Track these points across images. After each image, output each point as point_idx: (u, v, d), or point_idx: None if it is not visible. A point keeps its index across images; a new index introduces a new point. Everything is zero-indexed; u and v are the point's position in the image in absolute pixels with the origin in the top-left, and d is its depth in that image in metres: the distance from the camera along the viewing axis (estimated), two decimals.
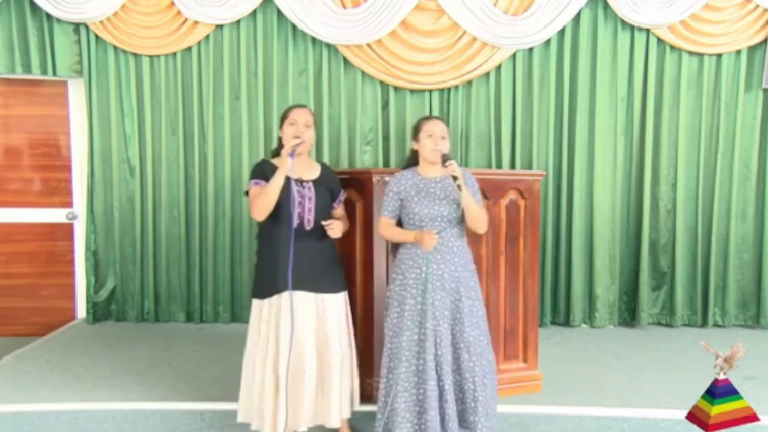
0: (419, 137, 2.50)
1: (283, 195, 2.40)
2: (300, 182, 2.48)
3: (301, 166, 2.49)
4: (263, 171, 2.48)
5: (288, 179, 2.42)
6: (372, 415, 2.52)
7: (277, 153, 2.61)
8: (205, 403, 2.86)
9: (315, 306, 2.46)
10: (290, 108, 2.60)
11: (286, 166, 2.36)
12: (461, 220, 2.46)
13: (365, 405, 2.66)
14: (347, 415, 2.55)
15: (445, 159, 2.37)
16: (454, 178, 2.32)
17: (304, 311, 2.43)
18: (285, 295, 2.42)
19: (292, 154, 2.39)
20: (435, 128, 2.46)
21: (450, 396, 2.36)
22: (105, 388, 3.04)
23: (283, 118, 2.56)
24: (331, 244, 2.55)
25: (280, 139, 2.59)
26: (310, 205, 2.46)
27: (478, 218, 2.41)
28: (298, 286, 2.42)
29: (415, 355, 2.38)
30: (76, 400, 2.88)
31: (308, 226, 2.45)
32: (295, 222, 2.43)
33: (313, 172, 2.55)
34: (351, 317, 2.61)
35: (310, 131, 2.54)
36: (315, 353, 2.43)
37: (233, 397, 2.91)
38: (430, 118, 2.58)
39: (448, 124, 4.25)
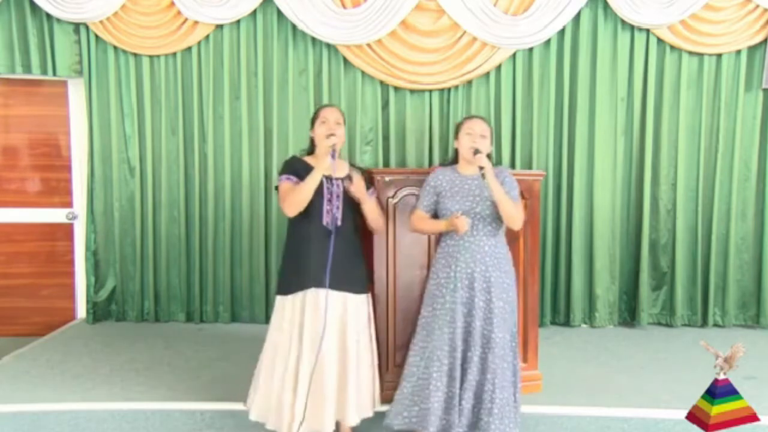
0: (459, 135, 2.55)
1: (315, 192, 2.43)
2: (330, 180, 2.49)
3: (328, 165, 2.50)
4: (294, 167, 2.52)
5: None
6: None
7: (309, 152, 2.64)
8: (205, 403, 2.86)
9: (338, 304, 2.44)
10: (321, 107, 2.65)
11: (325, 165, 2.40)
12: (496, 219, 2.46)
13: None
14: (367, 414, 2.52)
15: (476, 152, 2.40)
16: (480, 168, 2.34)
17: (330, 309, 2.41)
18: (310, 292, 2.42)
19: (333, 154, 2.41)
20: (475, 126, 2.52)
21: (468, 394, 2.37)
22: (105, 388, 3.04)
23: (314, 117, 2.60)
24: (358, 244, 2.57)
25: (311, 139, 2.62)
26: (338, 203, 2.47)
27: (510, 212, 2.40)
28: (323, 284, 2.41)
29: (446, 354, 2.39)
30: (76, 400, 2.88)
31: (337, 223, 2.46)
32: (326, 219, 2.45)
33: (342, 170, 2.57)
34: (373, 318, 2.61)
35: (341, 129, 2.56)
36: (336, 352, 2.42)
37: (233, 397, 2.92)
38: (471, 117, 2.65)
39: (448, 124, 4.31)
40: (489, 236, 2.46)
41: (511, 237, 3.02)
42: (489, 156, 2.48)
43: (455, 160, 2.63)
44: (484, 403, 2.39)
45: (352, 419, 2.44)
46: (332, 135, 2.48)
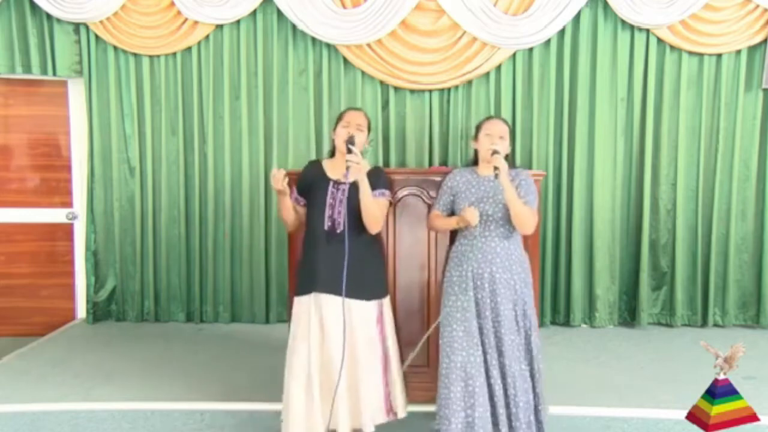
0: (479, 136, 2.55)
1: (317, 194, 2.45)
2: (336, 184, 2.48)
3: (340, 168, 2.47)
4: (303, 177, 2.53)
5: (327, 180, 2.48)
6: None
7: (331, 154, 2.64)
8: (205, 403, 2.86)
9: (342, 310, 2.38)
10: (345, 110, 2.62)
11: (285, 191, 2.39)
12: (510, 221, 2.45)
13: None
14: (380, 420, 2.48)
15: (493, 153, 2.41)
16: (495, 168, 2.34)
17: (332, 315, 2.38)
18: (315, 297, 2.42)
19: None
20: (494, 127, 2.52)
21: (499, 393, 2.39)
22: (105, 388, 3.05)
23: (338, 119, 2.58)
24: (368, 249, 2.50)
25: (333, 141, 2.60)
26: (340, 208, 2.44)
27: (520, 215, 2.38)
28: (327, 289, 2.39)
29: (457, 350, 2.40)
30: (76, 399, 2.89)
31: (339, 228, 2.43)
32: (327, 224, 2.44)
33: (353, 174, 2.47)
34: (390, 321, 2.55)
35: (363, 134, 2.53)
36: (346, 358, 2.37)
37: (233, 397, 2.93)
38: (490, 118, 2.65)
39: (448, 124, 4.30)
40: (502, 238, 2.46)
41: None
42: (507, 157, 2.48)
43: (475, 161, 2.63)
44: (510, 408, 2.40)
45: (369, 427, 2.42)
46: (349, 140, 2.42)
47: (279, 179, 2.35)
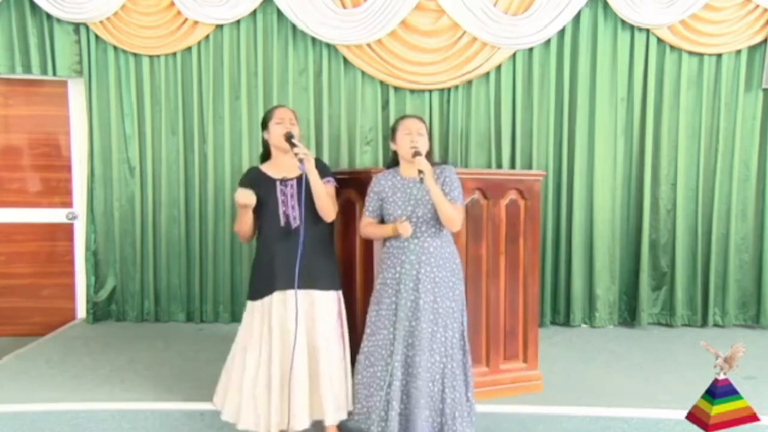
0: (396, 137, 2.53)
1: (268, 197, 2.48)
2: (283, 182, 2.51)
3: (284, 166, 2.54)
4: (247, 185, 2.50)
5: (273, 181, 2.51)
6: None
7: (265, 158, 2.65)
8: (205, 403, 2.85)
9: (304, 303, 2.45)
10: (272, 109, 2.64)
11: (248, 197, 2.40)
12: (438, 220, 2.44)
13: None
14: (343, 416, 2.51)
15: (415, 154, 2.39)
16: (420, 172, 2.32)
17: (292, 308, 2.43)
18: (277, 294, 2.45)
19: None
20: (411, 125, 2.49)
21: (420, 400, 2.34)
22: (105, 388, 3.04)
23: (267, 119, 2.58)
24: (322, 241, 2.56)
25: (265, 143, 2.62)
26: (293, 203, 2.49)
27: (447, 215, 2.38)
28: (288, 284, 2.43)
29: (389, 354, 2.39)
30: (76, 400, 2.88)
31: (294, 223, 2.48)
32: (282, 221, 2.48)
33: (296, 169, 2.51)
34: (345, 317, 2.61)
35: (296, 128, 2.57)
36: (305, 351, 2.43)
37: None
38: (405, 116, 2.62)
39: (448, 124, 4.30)
40: (434, 237, 2.45)
41: (511, 237, 3.03)
42: (428, 154, 2.45)
43: (395, 162, 2.60)
44: (434, 404, 2.38)
45: (331, 417, 2.44)
46: (289, 135, 2.46)
47: (249, 194, 2.40)
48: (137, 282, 4.35)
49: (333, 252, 2.66)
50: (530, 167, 4.28)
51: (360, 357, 2.50)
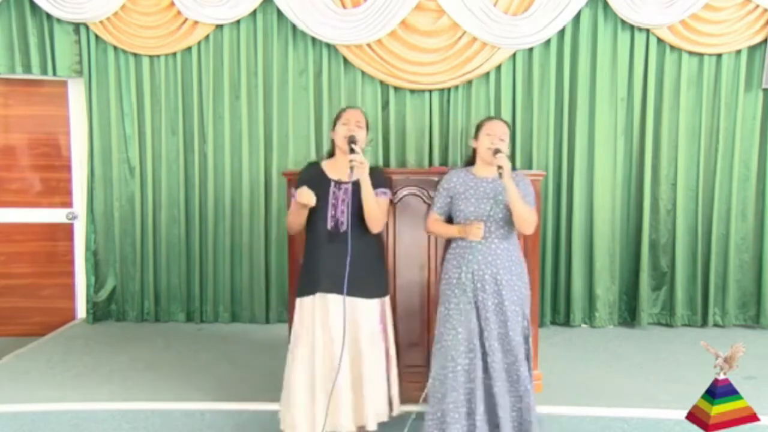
0: (479, 135, 2.53)
1: (321, 198, 2.42)
2: (338, 184, 2.48)
3: (343, 167, 2.46)
4: (303, 180, 2.49)
5: (329, 180, 2.48)
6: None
7: (330, 154, 2.64)
8: (205, 403, 2.86)
9: (346, 309, 2.39)
10: (343, 109, 2.62)
11: (308, 197, 2.36)
12: (509, 222, 2.44)
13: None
14: (384, 418, 2.49)
15: (496, 152, 2.39)
16: (499, 167, 2.32)
17: (336, 314, 2.39)
18: (319, 297, 2.42)
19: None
20: (496, 128, 2.50)
21: (502, 399, 2.35)
22: (105, 388, 3.04)
23: (336, 118, 2.57)
24: (370, 248, 2.51)
25: (332, 141, 2.60)
26: (343, 207, 2.45)
27: (523, 215, 2.37)
28: (331, 288, 2.40)
29: (462, 353, 2.37)
30: (76, 399, 2.89)
31: (341, 228, 2.43)
32: (330, 224, 2.44)
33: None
34: (390, 321, 2.57)
35: (362, 132, 2.53)
36: (348, 356, 2.38)
37: (233, 397, 2.93)
38: (492, 118, 2.63)
39: (448, 124, 4.30)
40: (502, 239, 2.44)
41: None
42: (497, 149, 2.45)
43: (472, 161, 2.61)
44: (513, 408, 2.39)
45: (372, 425, 2.42)
46: (351, 139, 2.43)
47: (310, 195, 2.36)
48: (137, 282, 4.35)
49: (381, 258, 2.63)
50: (530, 167, 4.28)
51: (432, 359, 2.47)
